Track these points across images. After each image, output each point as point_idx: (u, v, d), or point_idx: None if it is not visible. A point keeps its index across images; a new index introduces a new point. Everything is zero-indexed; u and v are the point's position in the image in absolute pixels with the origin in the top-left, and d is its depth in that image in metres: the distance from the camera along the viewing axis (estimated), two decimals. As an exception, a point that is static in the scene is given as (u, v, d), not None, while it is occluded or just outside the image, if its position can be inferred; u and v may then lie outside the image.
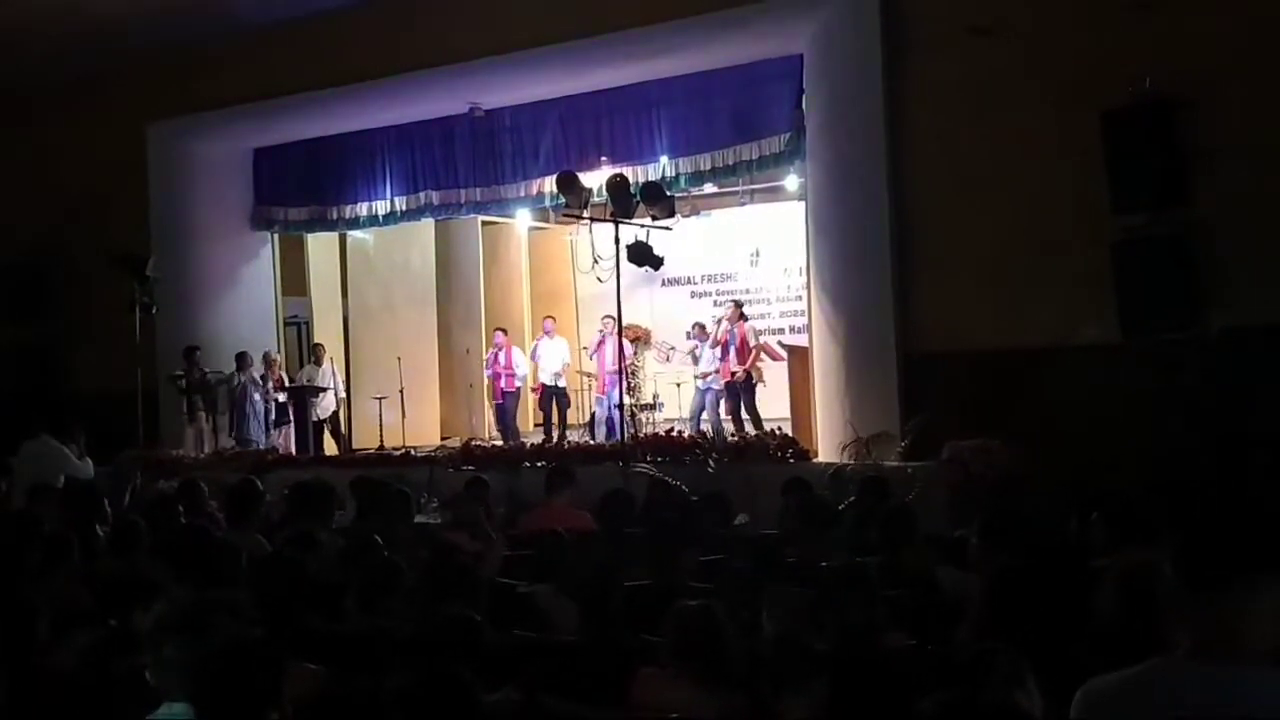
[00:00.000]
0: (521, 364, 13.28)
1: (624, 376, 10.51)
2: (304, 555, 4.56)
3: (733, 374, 11.63)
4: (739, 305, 12.15)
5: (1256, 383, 7.49)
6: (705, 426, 11.73)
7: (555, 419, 13.12)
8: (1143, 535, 4.45)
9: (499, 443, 11.91)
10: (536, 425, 13.22)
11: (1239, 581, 1.75)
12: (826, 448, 9.51)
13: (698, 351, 12.52)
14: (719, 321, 12.11)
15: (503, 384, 13.23)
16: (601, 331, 12.76)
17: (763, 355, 11.80)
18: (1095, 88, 7.98)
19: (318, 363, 13.19)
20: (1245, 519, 1.80)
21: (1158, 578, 2.72)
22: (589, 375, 13.49)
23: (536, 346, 13.34)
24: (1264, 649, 1.74)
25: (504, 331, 13.47)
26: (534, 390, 13.46)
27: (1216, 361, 7.66)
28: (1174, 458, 7.28)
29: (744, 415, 11.55)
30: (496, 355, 13.25)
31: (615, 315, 10.05)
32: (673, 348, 13.42)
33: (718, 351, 12.07)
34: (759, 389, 11.71)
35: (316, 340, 13.89)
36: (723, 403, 12.05)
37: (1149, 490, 5.71)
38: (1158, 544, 4.08)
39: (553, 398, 13.06)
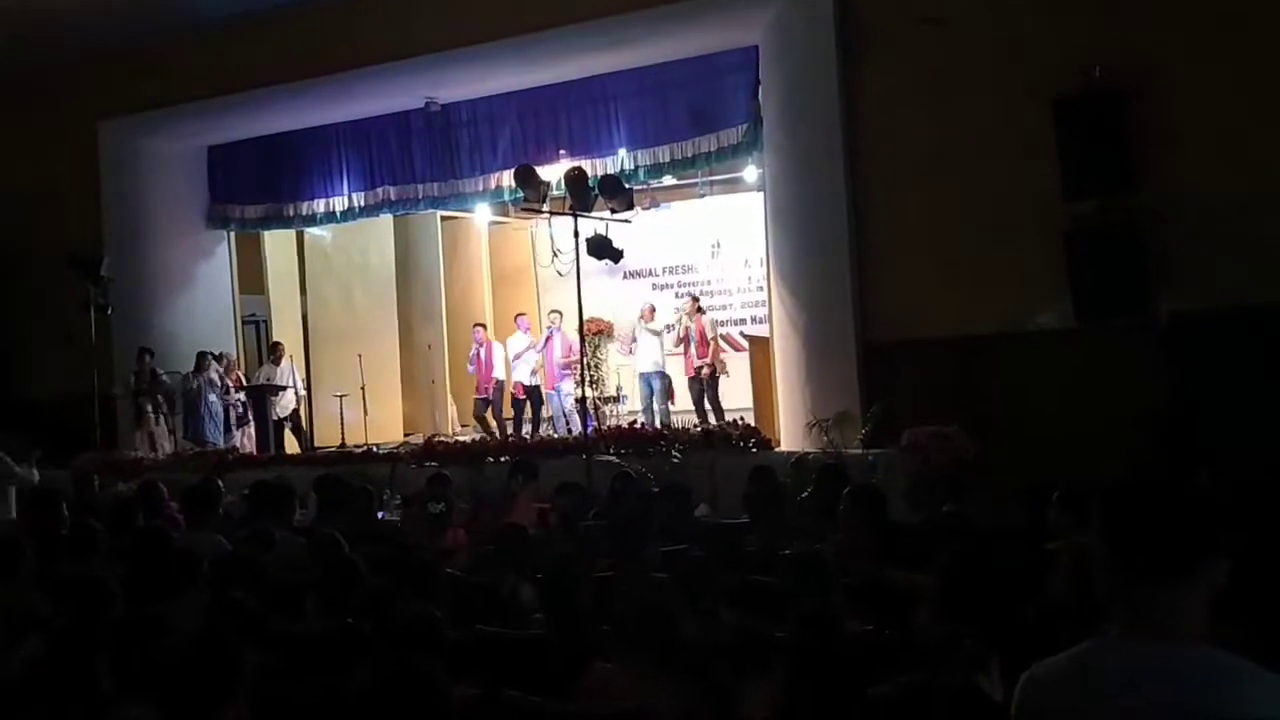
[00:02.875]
0: (500, 362, 13.10)
1: (584, 369, 10.48)
2: (263, 555, 4.53)
3: (697, 368, 11.65)
4: (695, 299, 12.19)
5: (1204, 367, 7.62)
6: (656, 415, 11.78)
7: (529, 414, 12.90)
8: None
9: (463, 438, 11.86)
10: (506, 419, 13.05)
11: (1174, 565, 1.77)
12: (789, 437, 9.57)
13: (637, 331, 12.52)
14: (680, 316, 12.12)
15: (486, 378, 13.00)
16: (549, 327, 12.74)
17: (724, 346, 11.82)
18: (1047, 76, 8.07)
19: (276, 361, 13.04)
20: (1183, 503, 1.81)
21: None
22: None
23: (509, 345, 13.05)
24: (1196, 629, 1.77)
25: (483, 327, 13.32)
26: (514, 391, 13.14)
27: (1166, 345, 7.78)
28: (1129, 441, 7.39)
29: (706, 406, 11.57)
30: (479, 352, 13.07)
31: (561, 310, 9.91)
32: (634, 340, 13.37)
33: (665, 339, 12.14)
34: (721, 380, 11.73)
35: (275, 339, 13.73)
36: (670, 391, 12.15)
37: (1102, 473, 5.79)
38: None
39: (527, 397, 12.85)
